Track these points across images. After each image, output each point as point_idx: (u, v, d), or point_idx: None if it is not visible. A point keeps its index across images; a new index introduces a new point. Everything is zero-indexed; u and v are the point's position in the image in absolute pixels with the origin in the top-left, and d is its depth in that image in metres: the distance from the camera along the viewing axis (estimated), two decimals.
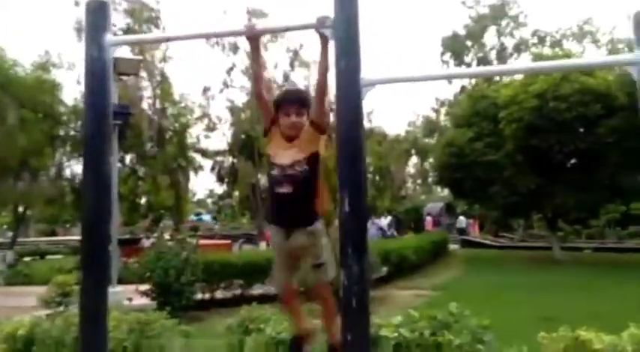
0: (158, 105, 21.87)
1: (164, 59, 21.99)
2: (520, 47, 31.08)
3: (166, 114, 22.42)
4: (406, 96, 60.25)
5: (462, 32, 32.02)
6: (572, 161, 16.49)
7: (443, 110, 35.44)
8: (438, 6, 56.51)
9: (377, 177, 37.00)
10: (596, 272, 12.96)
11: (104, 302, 2.15)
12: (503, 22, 31.27)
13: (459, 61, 32.02)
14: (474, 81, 30.70)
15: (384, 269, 12.15)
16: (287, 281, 2.60)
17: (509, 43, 31.81)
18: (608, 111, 14.01)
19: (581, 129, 15.06)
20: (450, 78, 2.38)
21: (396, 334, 3.83)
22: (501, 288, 10.47)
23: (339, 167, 2.08)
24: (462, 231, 25.95)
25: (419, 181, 44.80)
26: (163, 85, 21.94)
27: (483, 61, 32.24)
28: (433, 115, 37.16)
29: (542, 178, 15.91)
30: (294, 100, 2.47)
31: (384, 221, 17.16)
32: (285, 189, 2.39)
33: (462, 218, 27.35)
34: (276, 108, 2.49)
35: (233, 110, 25.07)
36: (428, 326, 3.92)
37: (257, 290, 9.60)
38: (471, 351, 3.75)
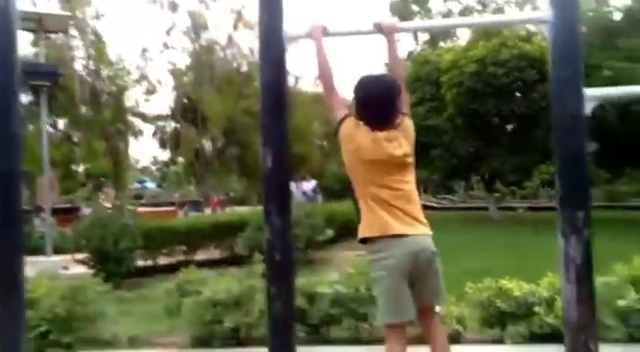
0: (92, 66, 20.68)
1: (96, 16, 20.67)
2: (465, 13, 31.54)
3: (101, 76, 21.26)
4: (356, 61, 60.03)
5: None
6: (510, 125, 17.17)
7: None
8: None
9: (325, 143, 37.13)
10: (527, 229, 13.75)
11: (20, 268, 2.06)
12: None
13: None
14: (419, 47, 31.14)
15: (329, 232, 12.39)
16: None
17: (456, 8, 32.21)
18: (542, 76, 14.60)
19: (518, 94, 15.63)
20: (370, 33, 2.36)
21: (331, 290, 3.93)
22: (440, 246, 10.89)
23: (262, 121, 2.06)
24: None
25: None
26: (97, 45, 20.69)
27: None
28: None
29: (481, 142, 16.53)
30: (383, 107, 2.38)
31: (308, 185, 17.03)
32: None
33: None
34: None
35: (174, 73, 24.14)
36: (363, 281, 4.05)
37: (201, 255, 9.57)
38: None
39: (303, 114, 21.80)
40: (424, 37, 32.95)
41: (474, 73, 14.99)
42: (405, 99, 2.34)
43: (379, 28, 2.22)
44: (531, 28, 15.49)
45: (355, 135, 2.23)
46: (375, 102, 2.22)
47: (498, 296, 3.75)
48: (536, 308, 3.57)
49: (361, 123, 2.25)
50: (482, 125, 16.48)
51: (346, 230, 13.07)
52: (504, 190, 22.94)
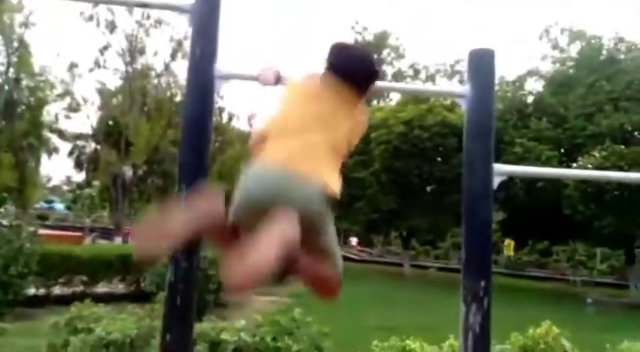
0: (12, 74, 19.38)
1: (25, 24, 19.60)
2: (397, 77, 33.42)
3: (21, 86, 19.93)
4: None
5: None
6: (429, 187, 18.03)
7: None
8: (331, 28, 58.44)
9: None
10: (436, 288, 14.19)
11: None
12: (385, 52, 33.45)
13: None
14: None
15: None
16: None
17: (389, 71, 34.07)
18: (461, 144, 15.60)
19: (439, 159, 16.54)
20: None
21: (236, 338, 3.76)
22: (352, 299, 10.98)
23: (180, 155, 1.98)
24: None
25: None
26: (21, 53, 19.49)
27: None
28: None
29: (402, 199, 17.17)
30: None
31: None
32: None
33: (353, 239, 28.41)
34: None
35: (103, 93, 23.19)
36: (270, 331, 3.92)
37: (102, 288, 8.91)
38: None
39: (233, 154, 21.63)
40: None
41: (401, 134, 15.74)
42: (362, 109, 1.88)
43: None
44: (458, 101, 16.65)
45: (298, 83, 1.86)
46: (349, 68, 1.78)
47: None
48: None
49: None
50: (405, 183, 17.19)
51: None
52: (419, 249, 23.76)
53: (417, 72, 33.33)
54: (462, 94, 2.05)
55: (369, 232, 23.06)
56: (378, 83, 1.97)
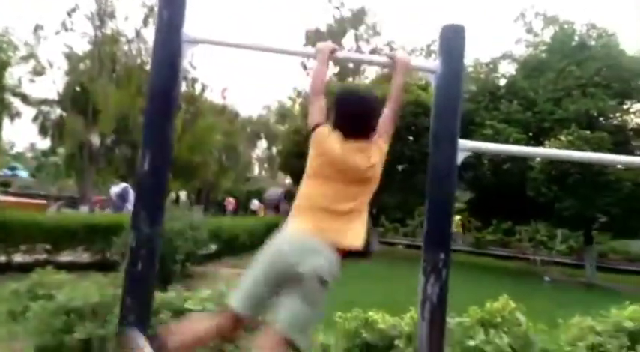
0: None
1: None
2: (373, 54, 33.31)
3: None
4: (269, 84, 60.39)
5: (325, 30, 33.29)
6: (401, 166, 18.20)
7: (299, 100, 36.42)
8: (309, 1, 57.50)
9: (223, 156, 36.55)
10: (403, 264, 14.49)
11: None
12: (362, 28, 33.17)
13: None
14: (330, 77, 32.16)
15: (213, 247, 12.06)
16: None
17: (365, 48, 33.84)
18: None
19: (411, 137, 16.67)
20: (275, 51, 2.34)
21: (200, 307, 3.77)
22: None
23: (145, 121, 1.94)
24: (252, 213, 27.45)
25: (266, 166, 45.46)
26: None
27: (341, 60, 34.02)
28: (289, 104, 37.95)
29: None
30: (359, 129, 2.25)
31: (115, 189, 13.72)
32: None
33: (254, 201, 29.05)
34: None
35: (70, 57, 22.30)
36: None
37: (66, 257, 8.76)
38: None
39: (205, 125, 21.26)
40: (334, 69, 34.14)
41: None
42: (387, 127, 2.28)
43: (393, 62, 2.22)
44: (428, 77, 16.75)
45: (325, 141, 2.18)
46: (353, 113, 2.17)
47: (364, 327, 3.85)
48: (397, 342, 3.72)
49: (335, 132, 2.20)
50: None
51: (231, 245, 12.84)
52: (388, 226, 24.12)
53: (392, 50, 33.27)
54: (432, 70, 2.06)
55: None
56: (346, 54, 2.09)
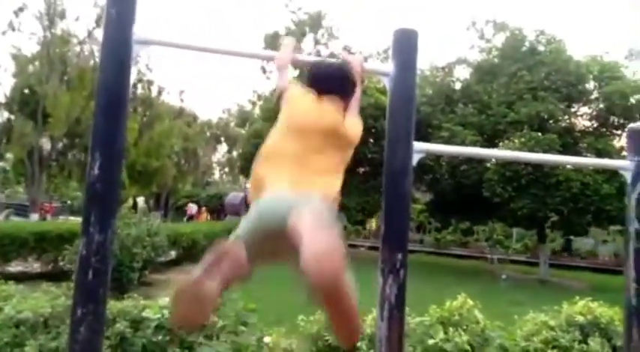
0: None
1: None
2: (332, 58, 33.55)
3: None
4: (229, 88, 59.65)
5: (284, 33, 33.34)
6: (362, 168, 18.37)
7: (259, 103, 36.24)
8: (266, 4, 57.31)
9: (182, 160, 35.91)
10: (365, 266, 14.60)
11: None
12: (320, 32, 33.38)
13: None
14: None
15: (172, 253, 11.81)
16: None
17: (324, 52, 34.06)
18: None
19: (371, 140, 16.87)
20: (227, 53, 2.30)
21: (159, 315, 3.68)
22: (282, 276, 11.10)
23: (95, 123, 1.87)
24: (191, 218, 27.08)
25: (227, 169, 44.93)
26: None
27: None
28: (250, 107, 37.69)
29: None
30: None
31: None
32: None
33: (191, 205, 28.94)
34: None
35: (18, 58, 21.36)
36: None
37: (16, 267, 8.39)
38: (233, 332, 3.82)
39: (163, 128, 20.79)
40: (294, 72, 34.20)
41: None
42: (355, 110, 2.08)
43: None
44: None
45: (298, 96, 2.02)
46: (326, 74, 2.05)
47: (327, 330, 3.85)
48: (359, 343, 3.73)
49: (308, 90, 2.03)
50: None
51: (191, 252, 12.61)
52: (350, 228, 24.28)
53: (350, 53, 33.65)
54: (386, 72, 2.08)
55: None
56: (304, 57, 2.07)
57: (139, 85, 23.00)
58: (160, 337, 3.59)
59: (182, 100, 31.21)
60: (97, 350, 1.82)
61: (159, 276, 9.65)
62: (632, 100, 13.88)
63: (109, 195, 1.84)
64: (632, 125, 2.41)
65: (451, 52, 40.16)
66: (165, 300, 4.06)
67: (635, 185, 2.25)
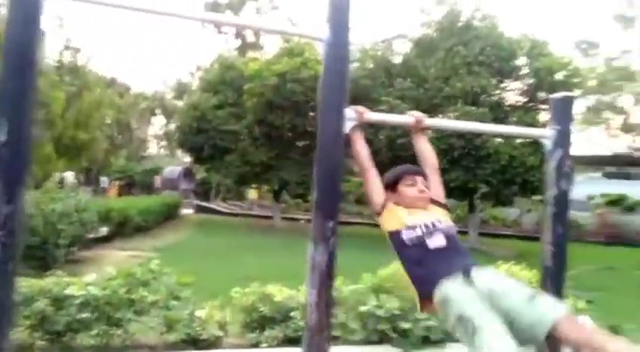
0: None
1: None
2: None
3: None
4: (167, 59, 57.12)
5: (225, 2, 32.40)
6: (301, 141, 18.32)
7: (198, 74, 35.15)
8: None
9: (115, 133, 34.31)
10: (303, 239, 14.76)
11: None
12: (262, 1, 32.60)
13: (218, 29, 32.81)
14: (231, 51, 31.34)
15: (103, 229, 11.34)
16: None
17: (265, 21, 33.33)
18: None
19: (312, 113, 16.81)
20: (149, 12, 2.14)
21: (83, 292, 3.52)
22: (220, 251, 10.99)
23: (2, 85, 1.70)
24: (104, 192, 27.14)
25: (164, 143, 43.40)
26: None
27: (239, 34, 33.51)
28: (190, 80, 36.49)
29: (274, 152, 17.26)
30: (417, 172, 2.45)
31: None
32: (440, 242, 2.06)
33: (103, 178, 29.14)
34: (393, 184, 2.37)
35: None
36: (124, 283, 3.73)
37: None
38: (165, 307, 3.73)
39: (92, 99, 19.57)
40: (236, 43, 33.36)
41: (274, 87, 15.62)
42: (439, 188, 2.55)
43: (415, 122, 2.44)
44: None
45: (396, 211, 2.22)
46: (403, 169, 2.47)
47: (261, 301, 3.85)
48: (293, 313, 3.77)
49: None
50: (277, 137, 17.26)
51: (124, 227, 12.18)
52: (290, 201, 24.34)
53: (293, 23, 33.11)
54: (320, 38, 2.03)
55: (240, 185, 22.96)
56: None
57: (67, 53, 21.50)
58: (85, 314, 3.44)
59: (111, 69, 29.60)
60: (6, 327, 1.70)
61: (88, 253, 9.26)
62: (559, 76, 14.63)
63: (17, 161, 1.69)
64: (553, 95, 2.52)
65: (394, 26, 40.46)
66: (91, 276, 3.89)
67: (554, 153, 2.36)
